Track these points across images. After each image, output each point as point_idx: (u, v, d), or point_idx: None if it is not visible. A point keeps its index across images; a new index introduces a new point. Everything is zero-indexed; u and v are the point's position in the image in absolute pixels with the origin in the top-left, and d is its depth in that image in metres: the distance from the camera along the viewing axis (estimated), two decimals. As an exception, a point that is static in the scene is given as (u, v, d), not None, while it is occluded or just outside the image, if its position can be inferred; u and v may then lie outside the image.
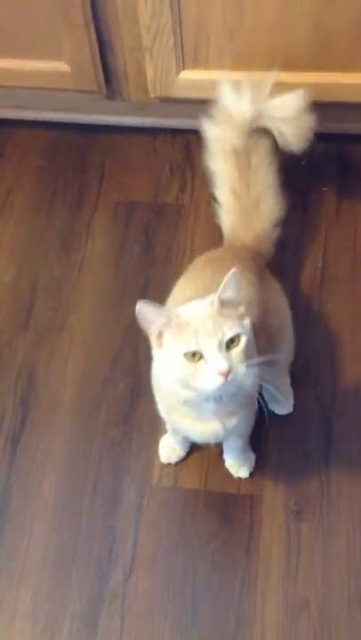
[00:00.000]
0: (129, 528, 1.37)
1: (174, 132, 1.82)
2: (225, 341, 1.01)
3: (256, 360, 1.05)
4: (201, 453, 1.42)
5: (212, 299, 1.03)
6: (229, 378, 1.00)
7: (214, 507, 1.39)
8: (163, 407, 1.21)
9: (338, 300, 1.59)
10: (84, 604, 1.31)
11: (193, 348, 1.00)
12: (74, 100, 1.74)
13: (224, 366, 0.99)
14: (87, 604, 1.31)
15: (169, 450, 1.42)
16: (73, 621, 1.30)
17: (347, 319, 1.57)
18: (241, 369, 1.02)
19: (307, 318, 1.46)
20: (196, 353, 1.00)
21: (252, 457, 1.41)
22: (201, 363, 1.00)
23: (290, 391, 1.45)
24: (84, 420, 1.48)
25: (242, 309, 1.06)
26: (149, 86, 1.63)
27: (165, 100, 1.67)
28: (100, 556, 1.35)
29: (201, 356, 1.00)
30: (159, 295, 1.59)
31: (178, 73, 1.59)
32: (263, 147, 1.45)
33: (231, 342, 1.02)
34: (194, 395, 1.05)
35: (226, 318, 1.02)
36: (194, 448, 1.42)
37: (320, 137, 1.76)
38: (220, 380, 1.00)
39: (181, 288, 1.28)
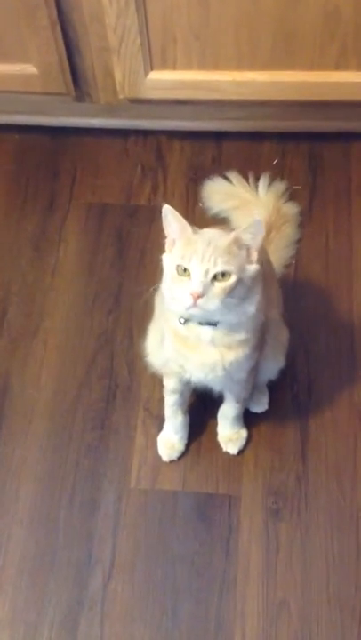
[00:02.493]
0: (107, 532, 1.36)
1: (145, 133, 1.81)
2: (213, 272, 1.07)
3: (256, 301, 1.12)
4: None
5: (231, 234, 1.10)
6: (198, 303, 1.07)
7: (193, 508, 1.38)
8: (167, 332, 1.22)
9: (312, 299, 1.59)
10: (64, 611, 1.30)
11: (184, 264, 1.08)
12: (43, 102, 1.73)
13: (197, 290, 1.07)
14: (66, 610, 1.30)
15: (168, 447, 1.42)
16: (52, 629, 1.29)
17: (322, 318, 1.57)
18: (214, 302, 1.08)
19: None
20: (187, 270, 1.08)
21: (244, 435, 1.41)
22: (186, 279, 1.09)
23: (265, 389, 1.46)
24: (60, 426, 1.47)
25: (254, 256, 1.11)
26: (118, 87, 1.62)
27: (135, 102, 1.66)
28: (79, 561, 1.34)
29: (189, 274, 1.08)
30: (134, 298, 1.60)
31: (146, 74, 1.58)
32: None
33: (222, 276, 1.08)
34: (177, 310, 1.13)
35: (229, 255, 1.08)
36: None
37: (290, 135, 1.78)
38: (189, 301, 1.08)
39: None
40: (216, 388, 1.31)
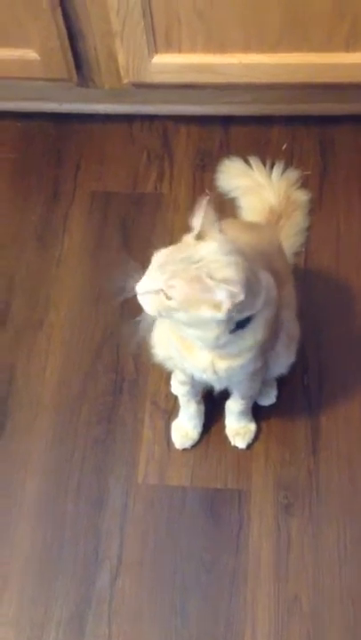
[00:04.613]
0: (114, 529, 1.34)
1: (151, 118, 1.77)
2: (152, 287, 1.02)
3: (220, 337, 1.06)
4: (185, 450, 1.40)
5: (203, 265, 1.01)
6: (140, 298, 1.05)
7: (202, 503, 1.36)
8: (170, 329, 1.19)
9: (323, 288, 1.56)
10: (71, 609, 1.28)
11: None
12: (45, 88, 1.69)
13: (139, 290, 1.04)
14: (73, 608, 1.28)
15: (181, 435, 1.39)
16: (59, 627, 1.27)
17: (332, 307, 1.53)
18: (148, 307, 1.04)
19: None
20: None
21: (253, 428, 1.39)
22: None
23: (274, 383, 1.42)
24: (66, 420, 1.44)
25: (225, 305, 1.00)
26: (122, 72, 1.58)
27: (139, 86, 1.62)
28: (86, 558, 1.32)
29: None
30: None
31: (150, 57, 1.54)
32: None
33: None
34: None
35: (187, 283, 1.00)
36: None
37: (300, 119, 1.74)
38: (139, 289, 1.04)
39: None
40: (216, 386, 1.27)
